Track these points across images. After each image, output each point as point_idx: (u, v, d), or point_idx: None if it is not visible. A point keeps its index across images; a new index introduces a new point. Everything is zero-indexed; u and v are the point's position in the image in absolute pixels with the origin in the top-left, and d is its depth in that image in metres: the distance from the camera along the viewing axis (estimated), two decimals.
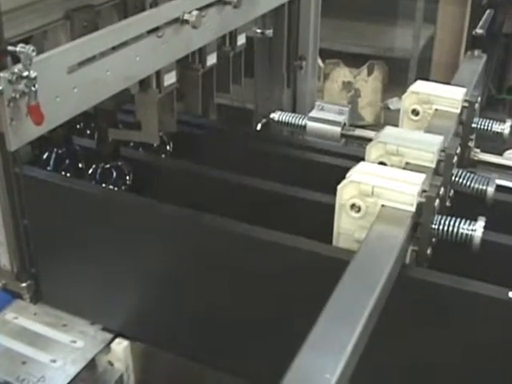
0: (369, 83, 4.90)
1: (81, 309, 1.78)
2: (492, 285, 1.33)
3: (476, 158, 1.85)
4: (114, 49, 1.37)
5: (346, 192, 1.35)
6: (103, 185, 1.87)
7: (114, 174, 1.87)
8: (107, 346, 1.72)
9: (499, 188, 1.65)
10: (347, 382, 0.99)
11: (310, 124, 1.87)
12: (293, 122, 1.92)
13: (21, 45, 1.14)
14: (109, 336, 1.75)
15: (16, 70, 1.14)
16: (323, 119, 1.86)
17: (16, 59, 1.16)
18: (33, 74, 1.14)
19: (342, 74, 4.91)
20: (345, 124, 1.86)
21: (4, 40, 1.15)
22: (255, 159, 2.03)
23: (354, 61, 4.91)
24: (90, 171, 1.88)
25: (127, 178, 1.87)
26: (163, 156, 2.03)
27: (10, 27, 1.18)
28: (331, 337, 1.03)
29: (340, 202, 1.37)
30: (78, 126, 2.07)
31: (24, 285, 1.32)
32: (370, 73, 4.90)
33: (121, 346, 1.71)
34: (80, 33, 1.43)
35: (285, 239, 1.46)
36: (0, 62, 1.14)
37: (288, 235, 1.46)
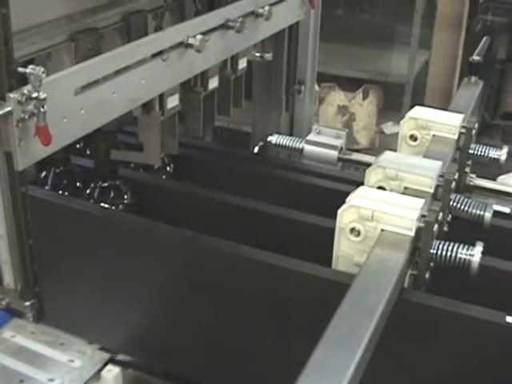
0: (364, 107, 4.92)
1: (79, 328, 1.78)
2: (489, 309, 1.34)
3: (472, 184, 1.86)
4: (119, 72, 1.39)
5: (346, 216, 1.37)
6: (101, 204, 1.88)
7: (112, 193, 1.88)
8: (104, 367, 1.72)
9: (495, 213, 1.67)
10: None
11: (308, 147, 1.88)
12: (290, 145, 1.93)
13: (31, 66, 1.15)
14: (106, 356, 1.75)
15: (25, 91, 1.15)
16: (320, 143, 1.87)
17: (23, 80, 1.18)
18: (42, 96, 1.15)
19: (338, 97, 4.93)
20: (342, 148, 1.88)
21: (14, 61, 1.17)
22: (253, 181, 2.05)
23: (350, 85, 4.94)
24: (89, 190, 1.89)
25: (125, 197, 1.88)
26: (163, 177, 2.04)
27: (15, 49, 1.19)
28: (333, 360, 1.04)
29: (340, 226, 1.38)
30: (77, 146, 2.09)
31: (28, 303, 1.31)
32: (365, 97, 4.93)
33: (111, 373, 1.71)
34: (84, 55, 1.45)
35: (284, 262, 1.48)
36: (10, 82, 1.15)
37: (287, 258, 1.48)
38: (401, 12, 4.87)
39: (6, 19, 1.14)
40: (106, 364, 1.73)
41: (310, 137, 1.90)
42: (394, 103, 4.85)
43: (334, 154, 1.87)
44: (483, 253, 1.38)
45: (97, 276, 1.68)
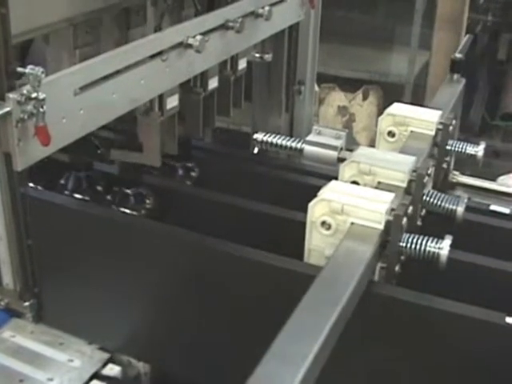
0: (364, 108, 4.92)
1: (79, 328, 1.78)
2: (458, 302, 1.35)
3: (455, 181, 1.87)
4: (119, 72, 1.39)
5: (316, 210, 1.39)
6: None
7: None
8: (104, 366, 1.72)
9: (494, 213, 1.68)
10: None
11: (307, 148, 1.88)
12: (290, 145, 1.93)
13: (30, 66, 1.15)
14: (106, 355, 1.75)
15: (25, 92, 1.15)
16: (320, 143, 1.86)
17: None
18: (41, 96, 1.16)
19: (338, 98, 4.93)
20: (342, 148, 1.88)
21: (14, 62, 1.17)
22: (252, 182, 2.05)
23: (350, 85, 4.93)
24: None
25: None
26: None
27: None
28: (293, 347, 1.05)
29: (311, 220, 1.40)
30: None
31: (27, 304, 1.32)
32: (365, 97, 4.92)
33: (112, 372, 1.72)
34: (82, 39, 1.45)
35: (256, 255, 1.49)
36: (9, 83, 1.15)
37: (260, 252, 1.49)
38: (401, 12, 4.87)
39: (6, 19, 1.14)
40: (105, 364, 1.73)
41: (310, 137, 1.90)
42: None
43: (334, 154, 1.87)
44: (455, 246, 1.39)
45: (98, 276, 1.68)
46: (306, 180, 2.04)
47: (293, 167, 2.15)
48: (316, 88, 2.51)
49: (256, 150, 2.37)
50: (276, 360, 1.02)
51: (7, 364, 1.71)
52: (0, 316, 1.74)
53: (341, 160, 1.87)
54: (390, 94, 4.91)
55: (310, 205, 1.39)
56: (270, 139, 1.94)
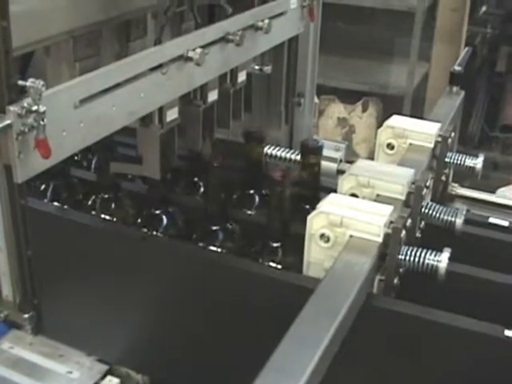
0: (363, 119, 4.93)
1: (77, 340, 1.78)
2: (457, 315, 1.36)
3: (453, 193, 1.88)
4: (119, 85, 1.39)
5: (315, 222, 1.39)
6: (102, 215, 1.88)
7: (113, 205, 1.88)
8: (103, 378, 1.72)
9: (493, 226, 1.68)
10: None
11: None
12: (290, 157, 1.93)
13: (31, 79, 1.16)
14: (104, 367, 1.75)
15: (25, 104, 1.15)
16: None
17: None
18: (42, 109, 1.16)
19: (337, 110, 4.94)
20: (341, 160, 1.89)
21: (15, 74, 1.17)
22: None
23: (349, 97, 4.95)
24: (90, 202, 1.89)
25: (126, 208, 1.89)
26: None
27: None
28: (292, 360, 1.06)
29: (310, 232, 1.41)
30: (76, 158, 2.10)
31: (26, 316, 1.31)
32: (364, 109, 4.94)
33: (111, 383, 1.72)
34: (82, 52, 1.46)
35: (256, 268, 1.51)
36: (10, 95, 1.16)
37: (259, 264, 1.50)
38: (400, 25, 4.88)
39: (6, 32, 1.15)
40: (104, 375, 1.73)
41: None
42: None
43: (334, 166, 1.88)
44: (454, 259, 1.40)
45: (95, 288, 1.68)
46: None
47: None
48: (315, 100, 2.52)
49: None
50: (275, 372, 1.03)
51: (6, 376, 1.72)
52: None
53: (340, 172, 1.88)
54: (390, 105, 4.92)
55: (309, 217, 1.39)
56: (269, 151, 1.95)
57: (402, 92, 4.77)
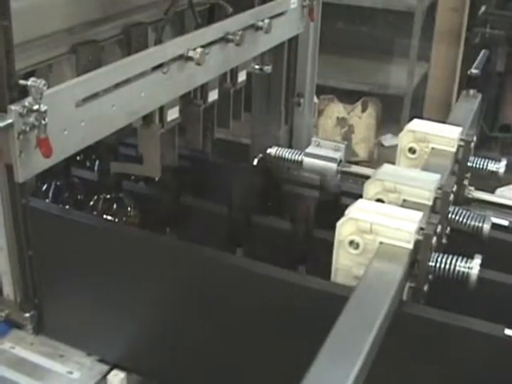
0: (363, 119, 4.93)
1: (78, 340, 1.78)
2: (487, 322, 1.35)
3: (470, 196, 1.87)
4: (120, 84, 1.40)
5: (344, 229, 1.38)
6: (104, 216, 1.89)
7: (115, 205, 1.88)
8: (104, 378, 1.72)
9: (494, 226, 1.68)
10: None
11: (307, 160, 1.89)
12: (289, 157, 1.94)
13: (32, 79, 1.16)
14: (105, 367, 1.75)
15: (27, 104, 1.15)
16: (319, 155, 1.88)
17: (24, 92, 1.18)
18: (43, 108, 1.16)
19: (336, 110, 4.94)
20: (341, 160, 1.89)
21: (16, 74, 1.17)
22: (252, 194, 2.05)
23: (349, 97, 4.95)
24: (92, 202, 1.90)
25: (128, 209, 1.89)
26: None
27: (17, 60, 1.20)
28: (331, 373, 1.04)
29: (339, 239, 1.39)
30: (78, 158, 2.10)
31: (27, 315, 1.31)
32: (364, 109, 4.93)
33: (117, 377, 1.71)
34: (85, 67, 1.46)
35: (283, 274, 1.48)
36: (11, 95, 1.16)
37: (286, 271, 1.48)
38: (400, 25, 4.89)
39: (8, 32, 1.15)
40: (105, 376, 1.73)
41: (310, 149, 1.91)
42: (392, 115, 4.86)
43: (333, 166, 1.88)
44: (482, 265, 1.39)
45: (96, 287, 1.68)
46: (305, 192, 2.04)
47: (292, 179, 2.16)
48: (315, 99, 2.52)
49: (255, 162, 2.38)
50: None
51: (7, 375, 1.72)
52: (0, 327, 1.74)
53: (340, 172, 1.88)
54: (389, 105, 4.93)
55: (338, 224, 1.38)
56: (270, 151, 1.95)
57: (402, 92, 4.76)
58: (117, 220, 1.87)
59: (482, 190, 1.96)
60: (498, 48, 5.44)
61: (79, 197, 1.98)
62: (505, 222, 1.90)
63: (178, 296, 1.61)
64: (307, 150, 1.90)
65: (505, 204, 1.89)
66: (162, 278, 1.60)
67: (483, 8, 5.47)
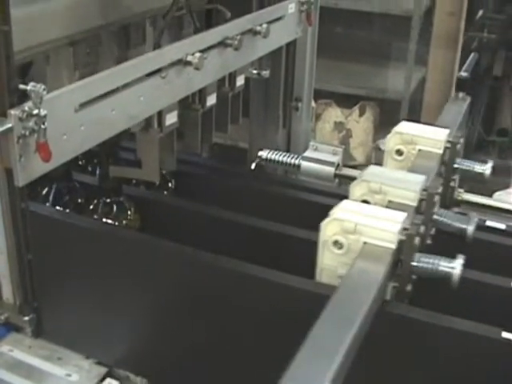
0: (360, 124, 4.93)
1: (76, 343, 1.79)
2: (470, 321, 1.36)
3: (460, 198, 1.88)
4: (119, 89, 1.40)
5: (329, 229, 1.39)
6: (104, 219, 1.89)
7: (115, 209, 1.89)
8: (102, 381, 1.72)
9: (489, 229, 1.69)
10: None
11: (304, 164, 1.89)
12: (287, 161, 1.94)
13: (32, 83, 1.17)
14: (103, 370, 1.75)
15: (26, 108, 1.16)
16: (317, 159, 1.88)
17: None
18: (42, 112, 1.17)
19: (334, 114, 4.94)
20: (338, 164, 1.89)
21: (16, 78, 1.18)
22: (249, 198, 2.06)
23: (346, 101, 4.95)
24: (92, 206, 1.90)
25: (128, 213, 1.89)
26: (165, 193, 2.06)
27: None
28: (310, 370, 1.05)
29: (323, 239, 1.40)
30: (80, 163, 2.10)
31: (26, 318, 1.33)
32: (361, 113, 4.94)
33: None
34: (83, 59, 1.47)
35: (268, 274, 1.49)
36: (11, 99, 1.16)
37: (271, 271, 1.49)
38: (397, 29, 4.89)
39: (8, 36, 1.16)
40: (103, 378, 1.73)
41: (307, 153, 1.91)
42: (390, 120, 4.84)
43: (331, 170, 1.88)
44: (466, 265, 1.39)
45: (96, 290, 1.68)
46: (303, 196, 2.05)
47: (290, 183, 2.16)
48: (313, 104, 2.53)
49: (253, 166, 2.39)
50: (294, 382, 1.02)
51: (5, 378, 1.71)
52: None
53: (338, 176, 1.88)
54: (387, 109, 4.93)
55: (322, 224, 1.39)
56: (269, 155, 1.95)
57: (399, 96, 4.77)
58: (117, 223, 1.87)
59: (479, 193, 1.97)
60: (495, 52, 5.46)
61: (79, 200, 1.98)
62: (502, 226, 1.91)
63: (177, 299, 1.61)
64: (305, 154, 1.90)
65: (495, 206, 1.90)
66: (161, 282, 1.60)
67: (480, 12, 5.49)
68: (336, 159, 1.89)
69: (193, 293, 1.58)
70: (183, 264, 1.59)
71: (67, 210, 1.91)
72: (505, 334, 1.32)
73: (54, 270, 1.57)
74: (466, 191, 1.88)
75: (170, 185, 2.06)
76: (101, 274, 1.64)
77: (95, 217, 1.89)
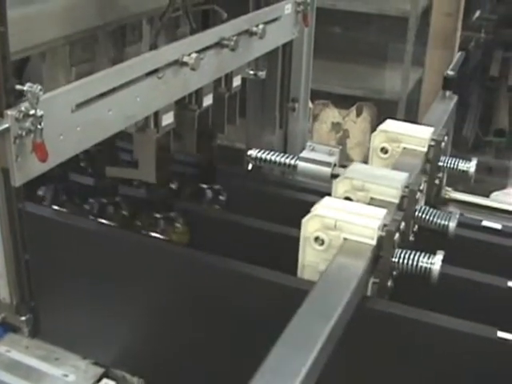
0: (357, 124, 4.93)
1: (73, 343, 1.79)
2: (450, 317, 1.38)
3: (447, 197, 1.89)
4: (115, 89, 1.40)
5: (310, 225, 1.41)
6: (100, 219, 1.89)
7: (112, 210, 1.89)
8: (98, 381, 1.72)
9: (485, 229, 1.69)
10: None
11: (301, 164, 1.89)
12: (284, 161, 1.94)
13: (28, 84, 1.17)
14: (100, 370, 1.75)
15: (23, 108, 1.16)
16: (314, 160, 1.88)
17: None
18: (39, 113, 1.17)
19: (331, 114, 4.94)
20: (335, 165, 1.89)
21: (12, 79, 1.18)
22: (246, 198, 2.06)
23: (343, 102, 4.95)
24: (88, 206, 1.90)
25: (124, 213, 1.89)
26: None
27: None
28: (286, 362, 1.07)
29: (304, 235, 1.42)
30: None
31: (23, 318, 1.32)
32: (358, 114, 4.94)
33: None
34: (79, 57, 1.47)
35: (251, 270, 1.52)
36: (8, 99, 1.16)
37: (254, 266, 1.50)
38: (394, 29, 4.89)
39: (4, 37, 1.16)
40: (100, 378, 1.73)
41: (304, 154, 1.91)
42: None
43: (328, 170, 1.88)
44: (446, 261, 1.41)
45: (93, 291, 1.69)
46: (300, 196, 2.05)
47: (287, 183, 2.17)
48: (310, 104, 2.53)
49: (250, 167, 2.39)
50: (269, 375, 1.04)
51: (2, 378, 1.72)
52: None
53: (334, 176, 1.88)
54: (384, 110, 4.92)
55: (304, 221, 1.40)
56: (264, 156, 1.95)
57: (396, 97, 4.77)
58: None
59: (476, 193, 1.97)
60: (492, 52, 5.47)
61: (77, 201, 1.98)
62: (498, 226, 1.92)
63: (173, 299, 1.62)
64: (301, 155, 1.90)
65: (481, 204, 1.91)
66: (159, 282, 1.61)
67: (477, 13, 5.50)
68: (333, 159, 1.89)
69: (189, 292, 1.58)
70: (181, 264, 1.60)
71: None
72: (500, 334, 1.33)
73: (51, 270, 1.57)
74: (461, 191, 1.89)
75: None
76: (98, 274, 1.65)
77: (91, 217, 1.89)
